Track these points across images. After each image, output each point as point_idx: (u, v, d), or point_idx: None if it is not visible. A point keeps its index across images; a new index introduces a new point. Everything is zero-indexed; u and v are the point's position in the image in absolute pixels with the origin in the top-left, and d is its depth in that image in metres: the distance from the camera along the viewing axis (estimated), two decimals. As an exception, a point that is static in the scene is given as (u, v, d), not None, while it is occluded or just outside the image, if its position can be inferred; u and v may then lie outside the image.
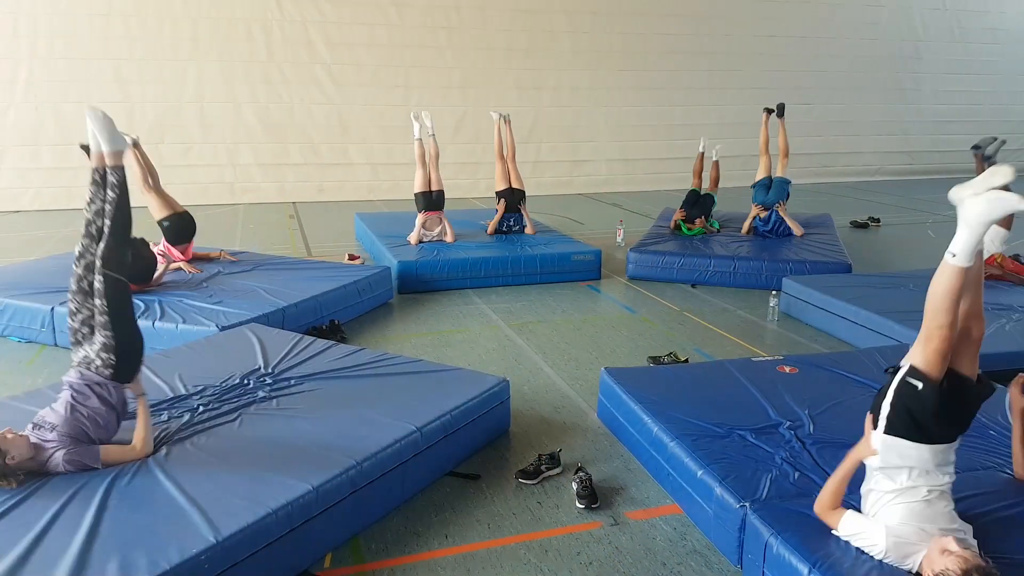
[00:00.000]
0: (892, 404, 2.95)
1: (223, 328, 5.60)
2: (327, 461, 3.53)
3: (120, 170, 3.74)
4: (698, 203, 9.83)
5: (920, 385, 2.88)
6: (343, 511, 3.46)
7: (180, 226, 7.45)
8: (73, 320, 3.69)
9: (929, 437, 2.91)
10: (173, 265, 7.24)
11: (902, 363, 3.01)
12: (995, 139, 7.50)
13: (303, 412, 4.14)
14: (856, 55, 18.30)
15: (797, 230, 9.19)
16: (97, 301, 3.62)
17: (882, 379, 3.23)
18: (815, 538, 3.02)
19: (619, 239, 10.31)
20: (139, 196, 7.20)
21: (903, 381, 2.94)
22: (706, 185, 10.18)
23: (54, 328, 6.09)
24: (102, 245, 3.63)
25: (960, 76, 19.37)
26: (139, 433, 3.59)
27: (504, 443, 4.59)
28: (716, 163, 10.32)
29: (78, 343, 3.68)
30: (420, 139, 8.92)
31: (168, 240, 7.37)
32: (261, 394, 4.38)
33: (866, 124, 18.69)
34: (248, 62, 14.19)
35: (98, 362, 3.61)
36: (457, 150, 15.56)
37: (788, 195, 9.51)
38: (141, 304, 5.99)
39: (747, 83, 17.32)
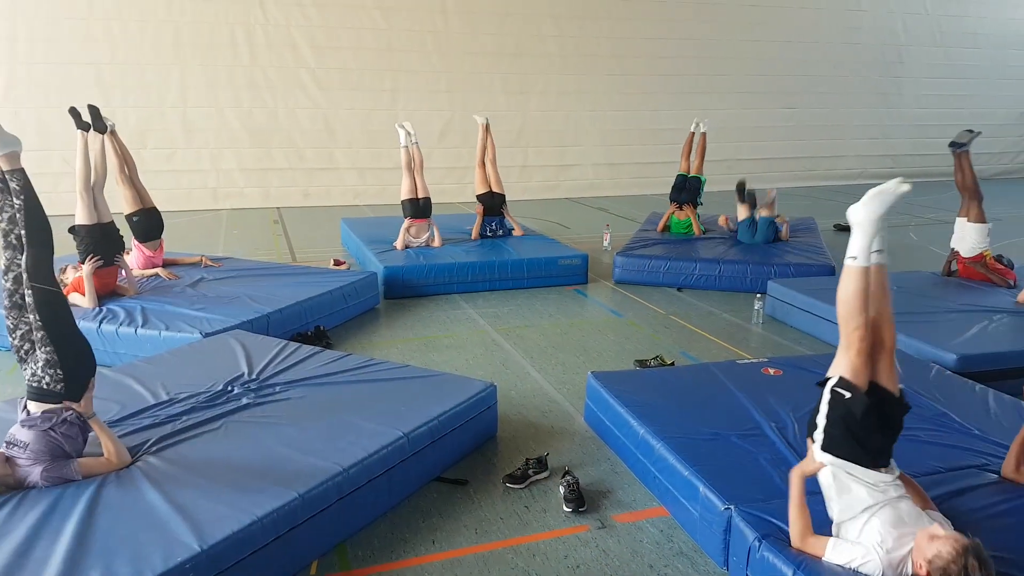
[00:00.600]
0: (827, 417, 3.00)
1: (207, 335, 5.56)
2: (313, 468, 3.51)
3: (20, 172, 3.50)
4: (686, 187, 9.91)
5: (848, 394, 2.95)
6: (329, 518, 3.44)
7: (149, 223, 7.35)
8: (12, 337, 3.55)
9: (865, 448, 2.95)
10: (149, 272, 7.16)
11: (829, 374, 3.07)
12: (971, 131, 7.63)
13: (288, 419, 4.12)
14: (839, 59, 18.42)
15: (784, 234, 9.22)
16: (31, 316, 3.50)
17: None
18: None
19: (606, 243, 10.33)
20: (113, 187, 7.17)
21: (833, 393, 3.00)
22: (693, 171, 10.18)
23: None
24: (25, 256, 3.48)
25: (941, 80, 19.54)
26: (107, 447, 3.51)
27: (491, 448, 4.59)
28: (703, 136, 10.31)
29: (22, 360, 3.54)
30: (406, 147, 8.90)
31: (136, 237, 7.27)
32: (246, 401, 4.35)
33: (849, 128, 18.84)
34: (232, 66, 14.11)
35: (46, 379, 3.47)
36: (444, 154, 15.55)
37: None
38: (122, 311, 5.95)
39: (733, 87, 17.42)
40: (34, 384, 3.50)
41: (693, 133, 10.33)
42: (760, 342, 6.69)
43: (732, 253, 8.66)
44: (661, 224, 9.82)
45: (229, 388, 4.53)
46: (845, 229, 11.82)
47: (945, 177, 19.72)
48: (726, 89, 17.39)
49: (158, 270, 7.19)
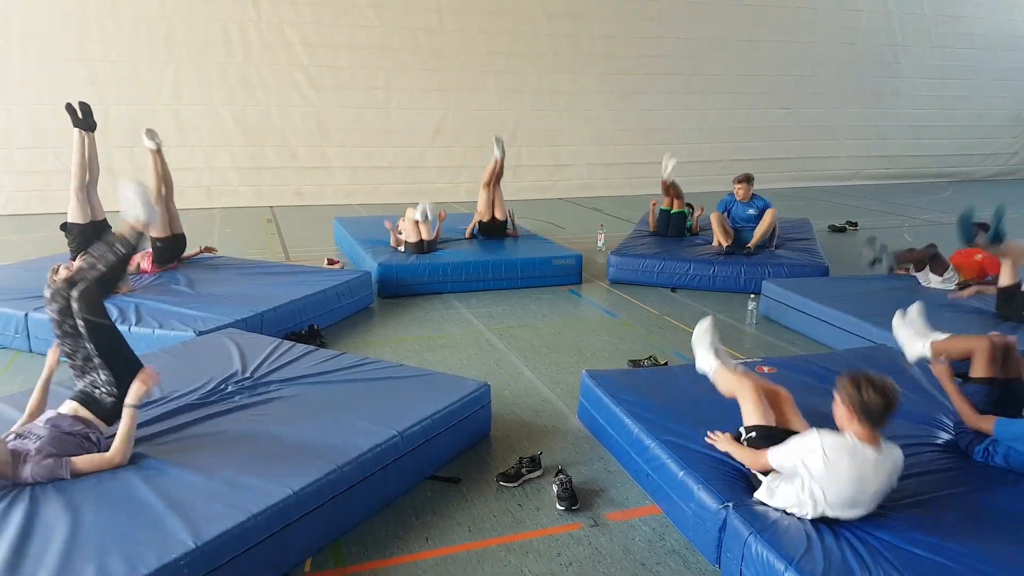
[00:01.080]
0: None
1: (200, 333, 5.55)
2: (307, 465, 3.51)
3: (140, 235, 3.81)
4: (671, 225, 9.48)
5: (754, 434, 3.58)
6: (323, 515, 3.44)
7: (173, 250, 7.39)
8: (75, 359, 3.67)
9: None
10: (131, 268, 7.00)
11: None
12: (878, 246, 7.47)
13: (282, 417, 4.12)
14: (835, 60, 18.49)
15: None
16: (88, 345, 3.60)
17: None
18: (793, 538, 3.05)
19: (599, 243, 10.34)
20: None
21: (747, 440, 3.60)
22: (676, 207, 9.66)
23: (28, 334, 6.02)
24: (80, 287, 3.58)
25: (937, 81, 19.63)
26: (118, 442, 3.49)
27: (485, 447, 4.59)
28: (672, 184, 9.50)
29: (85, 374, 3.67)
30: (419, 221, 8.43)
31: (156, 260, 7.23)
32: (239, 399, 4.35)
33: (844, 129, 18.90)
34: (225, 64, 14.10)
35: (102, 391, 3.62)
36: (437, 153, 15.57)
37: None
38: (115, 309, 5.93)
39: (727, 88, 17.48)
40: (87, 390, 3.64)
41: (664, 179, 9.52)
42: (754, 342, 6.71)
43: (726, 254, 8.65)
44: (652, 222, 9.63)
45: (223, 386, 4.53)
46: (840, 230, 11.95)
47: (940, 178, 19.94)
48: (720, 89, 17.44)
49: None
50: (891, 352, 5.27)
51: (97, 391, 3.63)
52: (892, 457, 3.17)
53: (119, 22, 13.33)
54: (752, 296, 7.32)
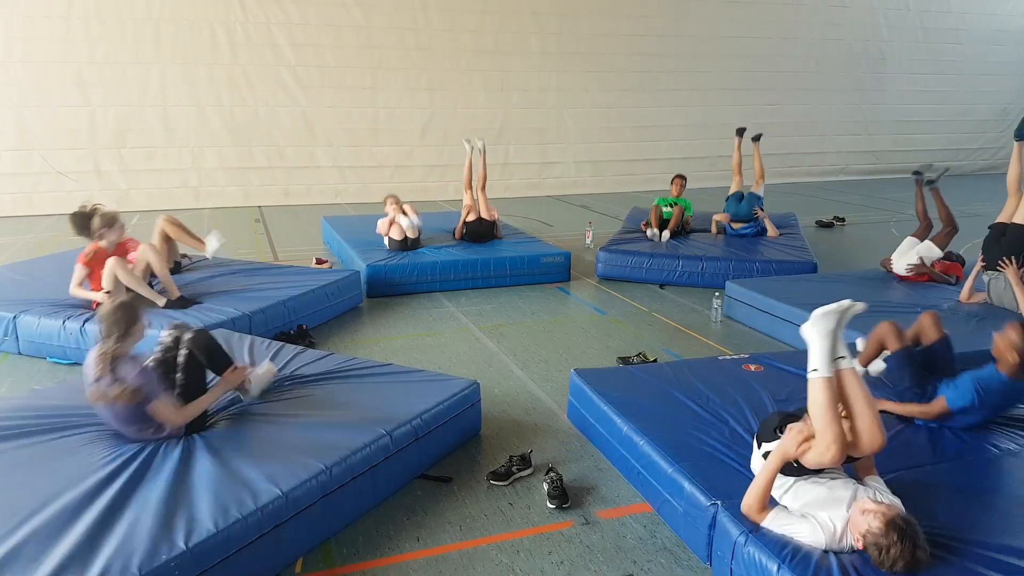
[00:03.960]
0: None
1: (190, 334, 5.53)
2: (297, 466, 3.51)
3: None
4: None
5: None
6: (313, 516, 3.44)
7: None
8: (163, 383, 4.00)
9: None
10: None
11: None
12: (931, 165, 7.53)
13: (272, 417, 4.11)
14: (821, 55, 18.55)
15: (772, 231, 9.24)
16: (178, 376, 3.99)
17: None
18: (784, 537, 3.06)
19: (588, 241, 10.36)
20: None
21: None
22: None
23: (17, 336, 5.99)
24: (200, 330, 4.26)
25: (923, 76, 19.71)
26: (198, 402, 3.94)
27: (475, 445, 4.60)
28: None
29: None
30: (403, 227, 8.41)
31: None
32: (228, 399, 4.34)
33: (831, 124, 18.96)
34: (212, 64, 14.02)
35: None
36: (425, 152, 15.54)
37: (762, 206, 9.58)
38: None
39: (714, 84, 17.51)
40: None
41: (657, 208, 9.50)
42: (742, 338, 6.73)
43: (715, 250, 8.69)
44: (654, 219, 9.32)
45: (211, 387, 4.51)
46: (827, 225, 11.98)
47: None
48: (707, 85, 17.47)
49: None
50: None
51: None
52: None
53: (105, 23, 13.23)
54: (717, 294, 7.30)
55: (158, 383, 3.81)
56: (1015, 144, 6.50)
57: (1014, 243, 6.23)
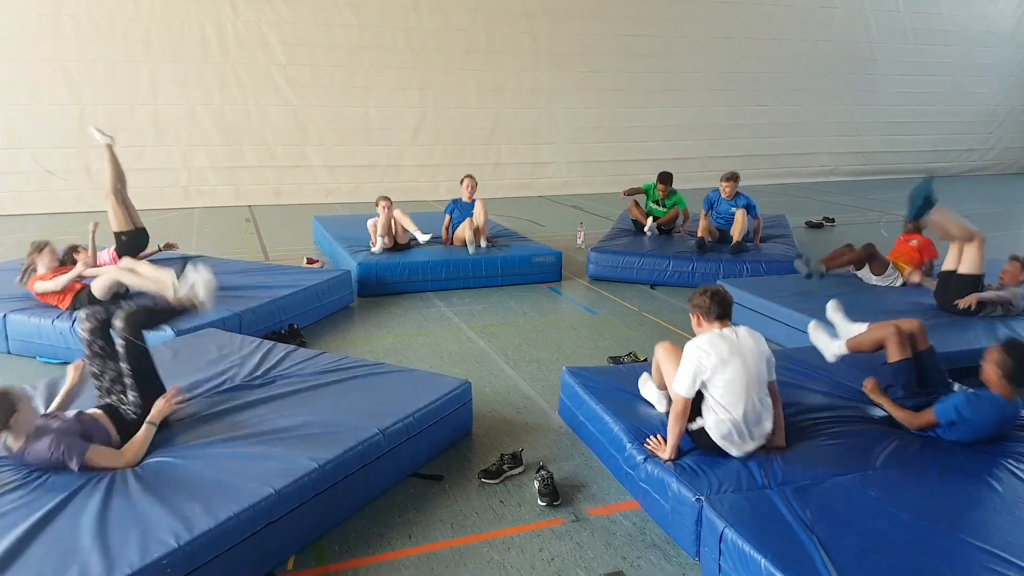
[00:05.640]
0: None
1: (180, 333, 5.53)
2: (289, 464, 3.52)
3: (192, 308, 4.27)
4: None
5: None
6: (306, 514, 3.45)
7: (137, 242, 7.31)
8: (102, 380, 3.88)
9: None
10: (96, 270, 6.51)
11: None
12: (808, 261, 7.28)
13: (263, 416, 4.12)
14: (810, 57, 18.64)
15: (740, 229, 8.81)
16: (123, 364, 3.82)
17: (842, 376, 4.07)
18: (769, 529, 3.10)
19: (579, 241, 10.38)
20: (101, 201, 7.11)
21: None
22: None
23: (6, 335, 5.98)
24: (128, 310, 3.85)
25: (913, 77, 19.82)
26: (134, 443, 3.60)
27: (467, 444, 4.61)
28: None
29: (110, 393, 3.88)
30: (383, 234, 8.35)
31: (120, 253, 7.13)
32: (219, 398, 4.35)
33: (821, 125, 19.05)
34: (202, 63, 14.00)
35: (129, 408, 3.82)
36: (417, 152, 15.55)
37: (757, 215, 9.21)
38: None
39: (704, 85, 17.57)
40: (115, 404, 3.84)
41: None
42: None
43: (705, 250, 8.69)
44: (642, 217, 9.45)
45: (202, 387, 4.51)
46: (817, 226, 12.05)
47: (917, 175, 20.10)
48: (698, 86, 17.54)
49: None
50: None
51: (122, 408, 3.82)
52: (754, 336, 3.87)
53: (95, 22, 13.20)
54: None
55: (78, 437, 3.45)
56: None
57: (958, 291, 6.17)
